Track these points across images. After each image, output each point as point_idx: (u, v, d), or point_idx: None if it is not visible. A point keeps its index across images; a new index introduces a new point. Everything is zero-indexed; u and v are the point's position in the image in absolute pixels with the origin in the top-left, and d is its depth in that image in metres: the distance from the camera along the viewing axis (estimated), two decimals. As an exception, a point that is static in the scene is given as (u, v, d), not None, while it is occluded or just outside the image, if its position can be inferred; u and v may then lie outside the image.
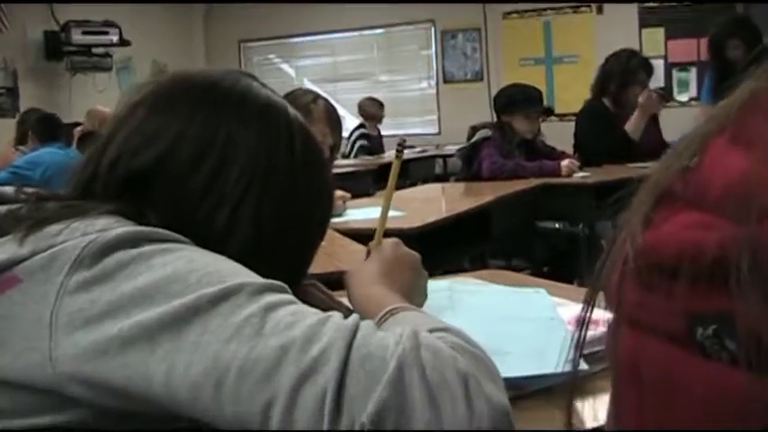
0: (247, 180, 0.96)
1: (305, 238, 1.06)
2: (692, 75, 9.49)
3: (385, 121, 10.52)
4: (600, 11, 10.03)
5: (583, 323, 0.56)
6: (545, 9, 10.29)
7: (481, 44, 10.77)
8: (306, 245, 1.07)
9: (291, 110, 1.06)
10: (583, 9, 10.13)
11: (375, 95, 10.00)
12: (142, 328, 0.77)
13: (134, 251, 0.83)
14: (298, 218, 1.02)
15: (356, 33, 11.33)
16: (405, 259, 1.27)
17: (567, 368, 1.07)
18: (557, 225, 5.13)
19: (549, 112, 5.10)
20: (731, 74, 5.46)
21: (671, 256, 0.44)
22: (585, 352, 1.16)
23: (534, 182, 4.40)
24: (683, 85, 9.49)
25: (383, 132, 9.94)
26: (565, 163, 4.73)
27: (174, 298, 0.78)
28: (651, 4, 9.73)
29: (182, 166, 0.95)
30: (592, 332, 1.24)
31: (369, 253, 1.29)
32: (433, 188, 4.77)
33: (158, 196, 0.95)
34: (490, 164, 4.59)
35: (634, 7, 9.80)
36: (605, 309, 0.55)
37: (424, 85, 11.26)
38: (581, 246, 4.70)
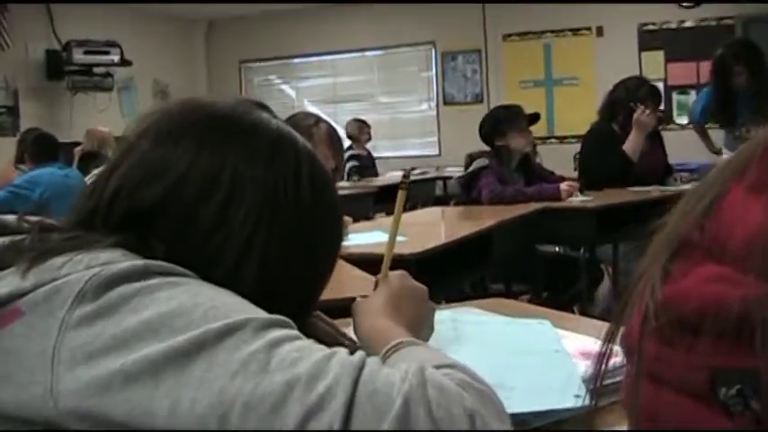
0: (255, 217, 0.94)
1: (313, 272, 1.04)
2: (692, 98, 9.50)
3: (385, 142, 10.58)
4: (600, 33, 10.08)
5: (601, 363, 0.55)
6: (545, 31, 10.34)
7: (481, 66, 10.81)
8: (314, 279, 1.05)
9: (301, 141, 1.04)
10: (583, 31, 10.18)
11: (375, 117, 10.02)
12: (147, 362, 0.76)
13: (138, 284, 0.82)
14: (306, 253, 1.01)
15: (357, 54, 11.37)
16: (412, 292, 1.26)
17: (573, 403, 1.06)
18: (557, 249, 5.14)
19: (536, 117, 5.09)
20: (730, 97, 5.50)
21: (693, 312, 0.43)
22: (592, 387, 1.15)
23: (534, 206, 4.39)
24: (683, 108, 9.50)
25: (384, 154, 9.98)
26: (564, 186, 4.72)
27: (179, 332, 0.77)
28: (651, 27, 9.77)
29: (188, 202, 0.94)
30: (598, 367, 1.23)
31: (377, 284, 1.28)
32: (433, 212, 4.75)
33: (164, 231, 0.93)
34: (489, 192, 4.59)
35: (634, 30, 9.85)
36: (622, 356, 0.54)
37: (425, 106, 11.29)
38: (581, 270, 4.69)
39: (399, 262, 2.46)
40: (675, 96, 9.70)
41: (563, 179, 4.97)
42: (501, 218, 3.82)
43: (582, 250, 4.74)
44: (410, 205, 6.60)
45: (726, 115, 5.65)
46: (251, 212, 0.94)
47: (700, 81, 9.23)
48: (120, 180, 0.96)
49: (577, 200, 4.68)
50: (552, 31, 10.32)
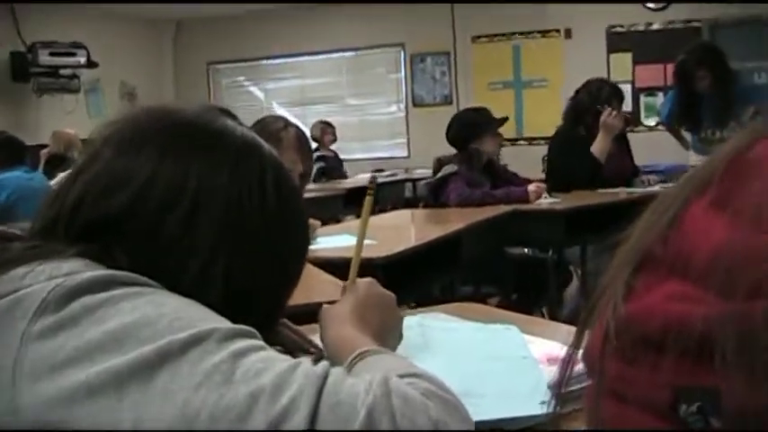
0: (220, 226, 0.93)
1: (280, 281, 1.03)
2: (660, 100, 9.57)
3: (354, 144, 10.56)
4: (568, 35, 10.13)
5: (565, 370, 0.55)
6: (514, 33, 10.37)
7: (450, 68, 10.83)
8: (281, 288, 1.04)
9: (266, 149, 1.03)
10: (552, 33, 10.22)
11: (344, 119, 10.01)
12: (111, 375, 0.75)
13: (102, 295, 0.81)
14: (273, 262, 1.00)
15: (326, 56, 11.33)
16: (379, 300, 1.25)
17: (539, 410, 1.06)
18: (525, 251, 5.15)
19: (505, 120, 5.12)
20: (694, 101, 5.54)
21: (656, 330, 0.43)
22: (556, 393, 1.16)
23: (503, 208, 4.40)
24: (651, 110, 9.58)
25: (353, 156, 9.96)
26: (531, 188, 4.75)
27: (143, 344, 0.76)
28: (619, 30, 9.84)
29: (152, 211, 0.92)
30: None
31: (344, 291, 1.27)
32: (403, 215, 4.76)
33: (128, 240, 0.92)
34: (457, 195, 4.60)
35: (602, 32, 9.91)
36: (584, 368, 0.54)
37: (394, 108, 11.29)
38: (550, 272, 4.71)
39: (368, 266, 2.46)
40: (643, 98, 9.77)
41: (528, 181, 4.99)
42: (470, 221, 3.83)
43: (551, 252, 4.75)
44: (379, 208, 6.60)
45: (690, 118, 5.68)
46: (216, 221, 0.93)
47: (667, 83, 9.27)
48: (83, 188, 0.94)
49: (546, 202, 4.71)
50: (521, 33, 10.35)
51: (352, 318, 1.16)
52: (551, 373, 1.18)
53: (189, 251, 0.92)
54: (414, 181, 9.30)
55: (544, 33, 10.27)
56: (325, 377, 0.75)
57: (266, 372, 0.75)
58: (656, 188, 5.15)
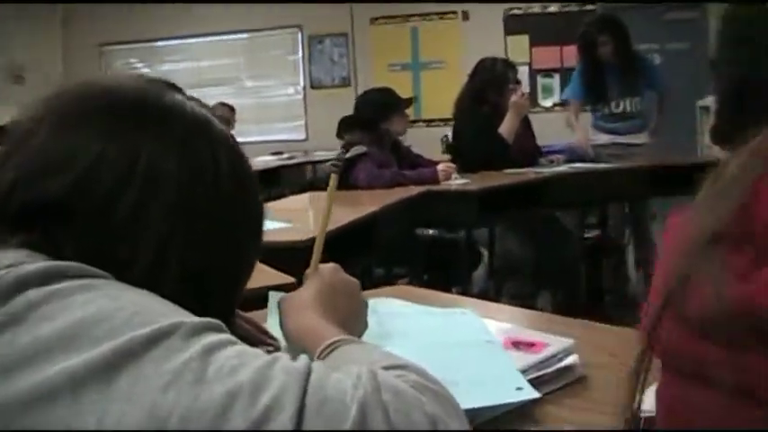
0: (173, 210, 0.84)
1: (238, 266, 0.95)
2: (556, 81, 9.76)
3: (251, 126, 10.42)
4: (466, 17, 10.21)
5: (639, 376, 0.51)
6: (412, 15, 10.39)
7: (348, 49, 10.80)
8: (238, 274, 0.96)
9: (218, 126, 0.95)
10: (449, 15, 10.28)
11: (241, 101, 9.85)
12: (65, 376, 0.66)
13: (49, 288, 0.71)
14: (229, 246, 0.92)
15: (222, 38, 11.15)
16: (344, 286, 1.19)
17: (517, 397, 1.02)
18: (433, 232, 5.14)
19: (413, 100, 5.14)
20: (599, 72, 5.65)
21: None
22: (530, 377, 1.12)
23: (417, 189, 4.37)
24: (548, 91, 9.77)
25: (250, 139, 9.82)
26: (441, 167, 4.75)
27: (100, 342, 0.67)
28: (516, 12, 9.97)
29: (98, 196, 0.82)
30: (534, 356, 1.19)
31: (306, 278, 1.21)
32: (312, 197, 4.66)
33: (72, 228, 0.81)
34: (367, 176, 4.54)
35: (500, 14, 10.02)
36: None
37: (291, 90, 11.19)
38: (461, 253, 4.72)
39: (292, 249, 2.39)
40: (540, 79, 9.95)
41: (433, 162, 4.99)
42: (383, 202, 3.78)
43: (462, 233, 4.76)
44: (279, 192, 6.50)
45: (597, 92, 5.79)
46: (169, 204, 0.84)
47: (564, 65, 9.50)
48: (16, 171, 0.83)
49: (456, 183, 4.70)
50: (419, 15, 10.38)
51: (315, 305, 1.09)
52: (518, 357, 1.14)
53: (141, 237, 0.82)
54: (314, 163, 9.23)
55: (442, 15, 10.32)
56: (308, 373, 0.68)
57: (242, 368, 0.67)
58: (564, 168, 5.22)
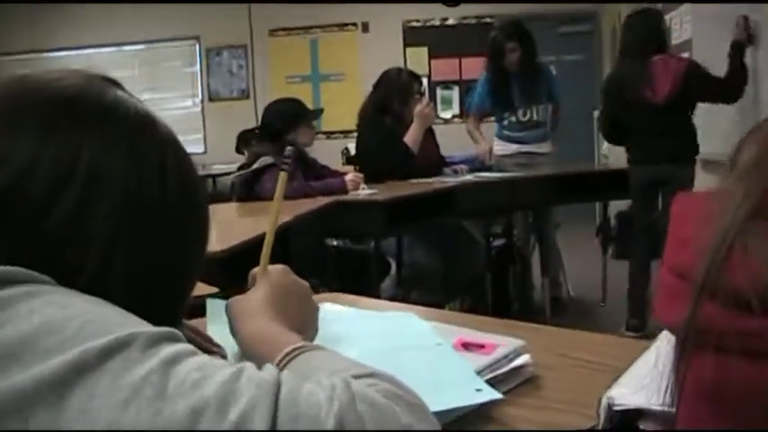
0: (118, 213, 0.79)
1: (185, 270, 0.90)
2: (456, 93, 9.87)
3: (149, 139, 10.20)
4: (366, 29, 10.25)
5: (678, 367, 0.50)
6: (312, 27, 10.37)
7: (247, 61, 10.71)
8: (186, 278, 0.91)
9: (163, 125, 0.91)
10: (349, 27, 10.30)
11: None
12: (12, 394, 0.60)
13: None
14: (176, 250, 0.87)
15: (117, 48, 10.93)
16: (295, 289, 1.16)
17: (477, 398, 1.01)
18: (339, 243, 5.11)
19: (321, 112, 5.19)
20: (505, 80, 5.72)
21: None
22: (487, 377, 1.11)
23: (325, 200, 4.34)
24: (447, 103, 9.87)
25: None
26: (349, 177, 4.74)
27: (49, 355, 0.62)
28: (415, 24, 10.05)
29: (36, 199, 0.76)
30: (486, 357, 1.18)
31: (254, 280, 1.16)
32: (220, 209, 4.56)
33: (9, 231, 0.76)
34: (274, 186, 4.47)
35: (399, 27, 10.09)
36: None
37: (189, 103, 11.05)
38: (371, 263, 4.70)
39: (214, 260, 2.33)
40: (440, 91, 10.05)
41: (339, 173, 4.97)
42: (294, 213, 3.74)
43: (372, 243, 4.75)
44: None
45: (503, 100, 5.85)
46: (113, 206, 0.78)
47: (462, 77, 9.62)
48: None
49: (363, 193, 4.69)
50: (319, 27, 10.37)
51: (267, 309, 1.05)
52: (470, 358, 1.13)
53: (84, 241, 0.77)
54: (213, 177, 9.10)
55: (341, 27, 10.34)
56: (278, 385, 0.64)
57: (206, 382, 0.62)
58: (470, 177, 5.27)
